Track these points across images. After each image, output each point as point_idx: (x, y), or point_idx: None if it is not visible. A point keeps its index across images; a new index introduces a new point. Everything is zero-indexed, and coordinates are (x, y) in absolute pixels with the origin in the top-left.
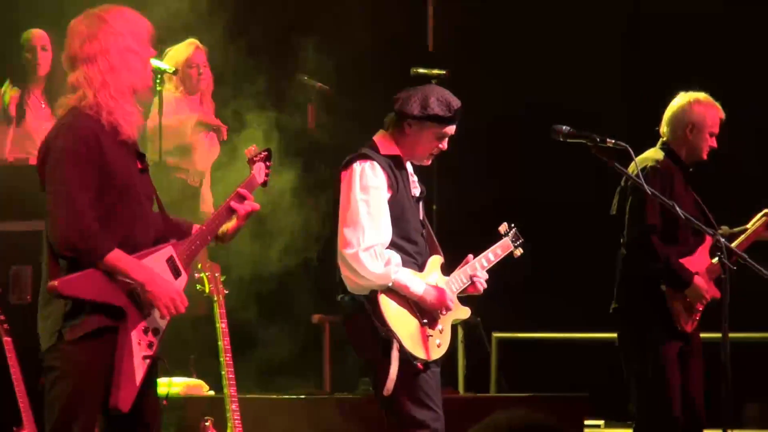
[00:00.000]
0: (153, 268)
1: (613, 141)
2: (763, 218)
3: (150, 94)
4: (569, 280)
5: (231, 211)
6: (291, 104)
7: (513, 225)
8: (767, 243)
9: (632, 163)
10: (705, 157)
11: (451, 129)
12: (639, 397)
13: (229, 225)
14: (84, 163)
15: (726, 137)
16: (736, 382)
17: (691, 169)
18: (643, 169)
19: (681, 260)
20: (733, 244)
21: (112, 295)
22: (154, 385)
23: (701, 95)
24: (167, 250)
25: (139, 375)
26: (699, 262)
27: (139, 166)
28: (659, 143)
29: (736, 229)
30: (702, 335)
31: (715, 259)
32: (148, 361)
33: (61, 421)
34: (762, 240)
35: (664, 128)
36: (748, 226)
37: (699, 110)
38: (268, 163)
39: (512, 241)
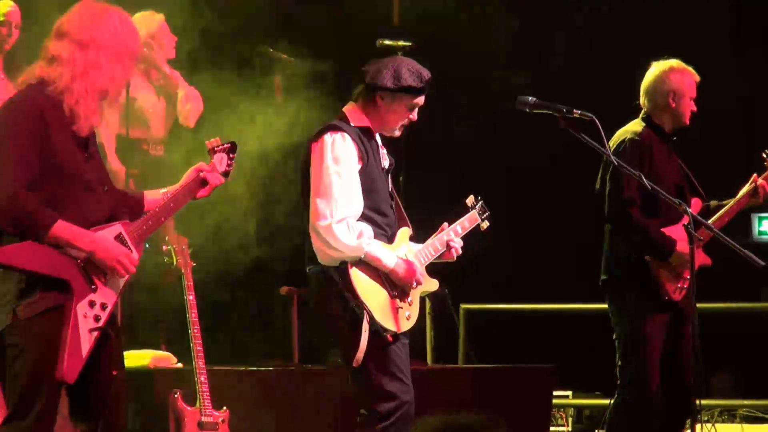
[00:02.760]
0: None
1: (579, 112)
2: (752, 185)
3: (115, 105)
4: (537, 251)
5: (189, 195)
6: (256, 76)
7: (479, 198)
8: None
9: (615, 134)
10: (688, 122)
11: (421, 100)
12: (621, 368)
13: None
14: (30, 143)
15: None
16: (704, 353)
17: (674, 138)
18: (622, 142)
19: (664, 229)
20: (719, 213)
21: (52, 266)
22: (113, 360)
23: (674, 62)
24: (116, 228)
25: (86, 347)
26: (681, 230)
27: (85, 154)
28: (641, 114)
29: (725, 202)
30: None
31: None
32: (95, 333)
33: (24, 395)
34: (750, 207)
35: (643, 100)
36: (738, 196)
37: (676, 77)
38: (231, 155)
39: (479, 214)
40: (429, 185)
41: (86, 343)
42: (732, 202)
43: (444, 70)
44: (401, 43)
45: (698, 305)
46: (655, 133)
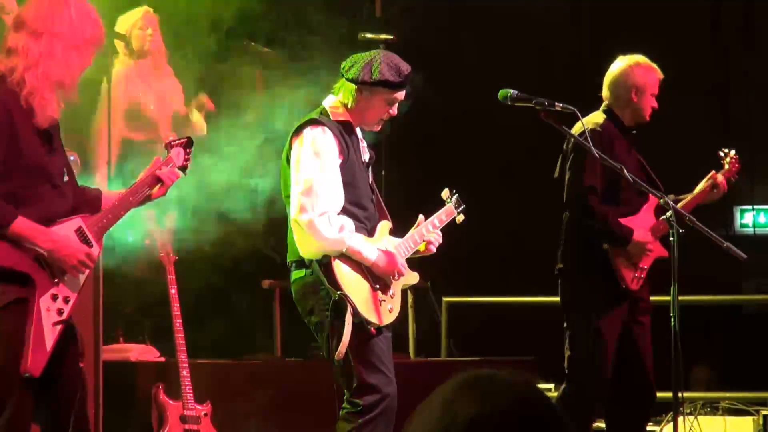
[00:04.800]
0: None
1: (561, 105)
2: (709, 181)
3: (74, 97)
4: (518, 244)
5: (156, 181)
6: (239, 70)
7: (455, 191)
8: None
9: (576, 124)
10: (648, 118)
11: (401, 94)
12: (570, 358)
13: (152, 192)
14: None
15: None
16: (683, 345)
17: (634, 132)
18: (582, 133)
19: (624, 220)
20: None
21: (13, 260)
22: (77, 353)
23: (640, 58)
24: (76, 221)
25: (50, 341)
26: (643, 221)
27: (49, 147)
28: (602, 107)
29: (682, 197)
30: (651, 298)
31: (662, 218)
32: (59, 327)
33: None
34: (708, 203)
35: (605, 92)
36: (695, 191)
37: (640, 73)
38: (188, 150)
39: (455, 207)
40: (408, 179)
41: (50, 336)
42: (689, 197)
43: (427, 63)
44: (383, 36)
45: (680, 298)
46: (616, 126)
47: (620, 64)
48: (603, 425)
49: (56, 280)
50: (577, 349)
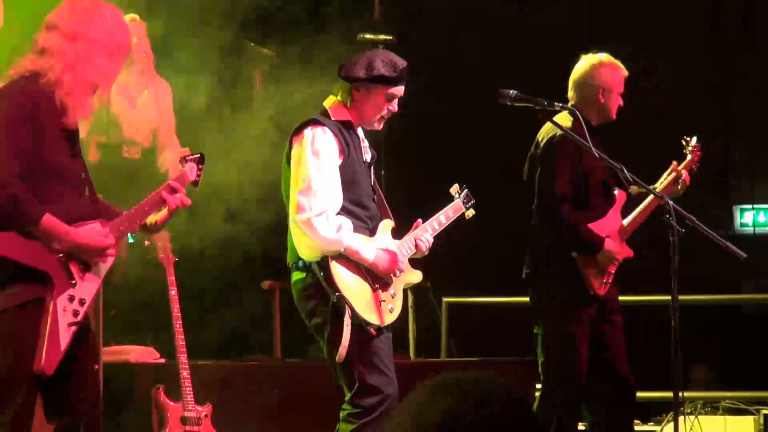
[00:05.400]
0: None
1: (560, 105)
2: (672, 174)
3: (106, 103)
4: (518, 244)
5: (162, 202)
6: (238, 70)
7: (464, 186)
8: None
9: (544, 127)
10: (615, 117)
11: (398, 90)
12: (544, 364)
13: (158, 216)
14: (23, 134)
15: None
16: (683, 345)
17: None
18: (553, 137)
19: (592, 224)
20: (643, 205)
21: (35, 258)
22: (91, 354)
23: (604, 57)
24: (95, 225)
25: (64, 341)
26: (610, 224)
27: (73, 150)
28: (568, 107)
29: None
30: (650, 297)
31: (626, 221)
32: (73, 328)
33: (1, 390)
34: (672, 197)
35: (571, 93)
36: (657, 185)
37: (606, 72)
38: (200, 166)
39: (464, 203)
40: (408, 179)
41: (65, 337)
42: (651, 198)
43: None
44: (382, 37)
45: (680, 297)
46: (583, 127)
47: (584, 64)
48: (583, 427)
49: (74, 282)
50: (551, 354)
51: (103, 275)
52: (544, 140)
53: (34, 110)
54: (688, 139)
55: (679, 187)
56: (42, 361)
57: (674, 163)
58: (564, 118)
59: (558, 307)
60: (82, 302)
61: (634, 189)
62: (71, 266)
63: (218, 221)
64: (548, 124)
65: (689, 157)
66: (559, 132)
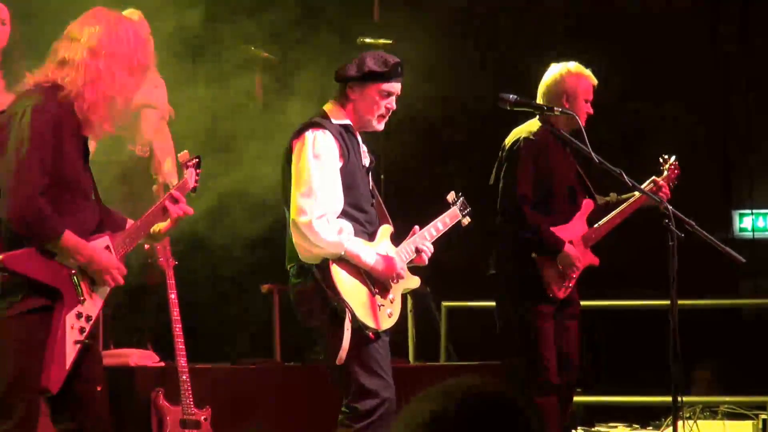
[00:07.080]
0: None
1: (560, 110)
2: (650, 185)
3: (125, 119)
4: None
5: (165, 212)
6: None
7: (460, 194)
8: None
9: (512, 132)
10: (583, 123)
11: (392, 86)
12: (518, 361)
13: (162, 225)
14: (48, 149)
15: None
16: (682, 349)
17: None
18: (517, 141)
19: (555, 228)
20: (616, 211)
21: (50, 275)
22: (96, 373)
23: (572, 65)
24: (105, 239)
25: (69, 359)
26: (574, 229)
27: (85, 163)
28: (567, 113)
29: (624, 197)
30: (652, 302)
31: (595, 225)
32: (78, 346)
33: (5, 400)
34: (646, 207)
35: (539, 100)
36: (636, 193)
37: (571, 80)
38: (198, 170)
39: (460, 210)
40: (407, 182)
41: (71, 354)
42: (626, 204)
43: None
44: (382, 41)
45: (679, 302)
46: (551, 133)
47: (552, 71)
48: None
49: (82, 299)
50: (523, 353)
51: (106, 295)
52: (509, 144)
53: (57, 127)
54: (666, 157)
55: (662, 199)
56: (49, 378)
57: (654, 177)
58: (532, 125)
59: (524, 308)
60: (88, 319)
61: (613, 196)
62: (82, 283)
63: (219, 224)
64: (515, 130)
65: (666, 173)
66: (524, 135)
